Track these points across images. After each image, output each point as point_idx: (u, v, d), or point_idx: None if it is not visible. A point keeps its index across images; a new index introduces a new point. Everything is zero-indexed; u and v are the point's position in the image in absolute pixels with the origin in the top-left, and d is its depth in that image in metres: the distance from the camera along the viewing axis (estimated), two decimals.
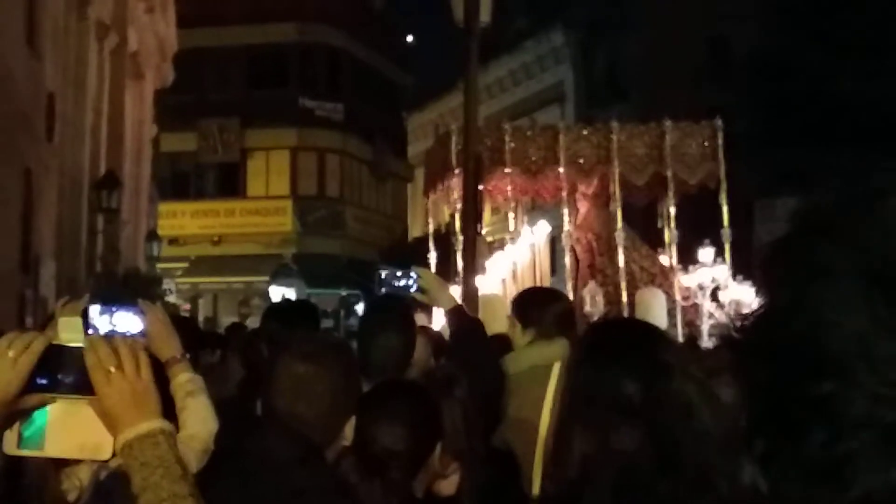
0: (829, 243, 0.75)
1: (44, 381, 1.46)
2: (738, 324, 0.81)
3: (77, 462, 2.55)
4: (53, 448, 1.51)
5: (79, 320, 1.60)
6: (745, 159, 22.70)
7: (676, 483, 1.54)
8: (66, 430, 1.50)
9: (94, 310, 2.50)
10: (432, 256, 13.80)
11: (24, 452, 1.54)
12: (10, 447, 1.50)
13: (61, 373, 1.48)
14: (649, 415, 1.61)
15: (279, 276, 31.20)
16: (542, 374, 3.85)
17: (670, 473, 1.55)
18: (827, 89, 21.77)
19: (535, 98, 31.48)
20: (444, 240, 13.66)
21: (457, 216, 12.94)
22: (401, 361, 3.52)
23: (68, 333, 1.55)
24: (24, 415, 1.48)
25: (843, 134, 20.55)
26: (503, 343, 4.55)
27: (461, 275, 12.54)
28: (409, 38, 42.39)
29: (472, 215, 10.81)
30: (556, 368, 3.83)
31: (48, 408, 1.48)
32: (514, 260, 12.33)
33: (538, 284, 11.57)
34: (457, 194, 12.51)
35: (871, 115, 20.36)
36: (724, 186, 12.46)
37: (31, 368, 1.45)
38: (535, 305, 4.11)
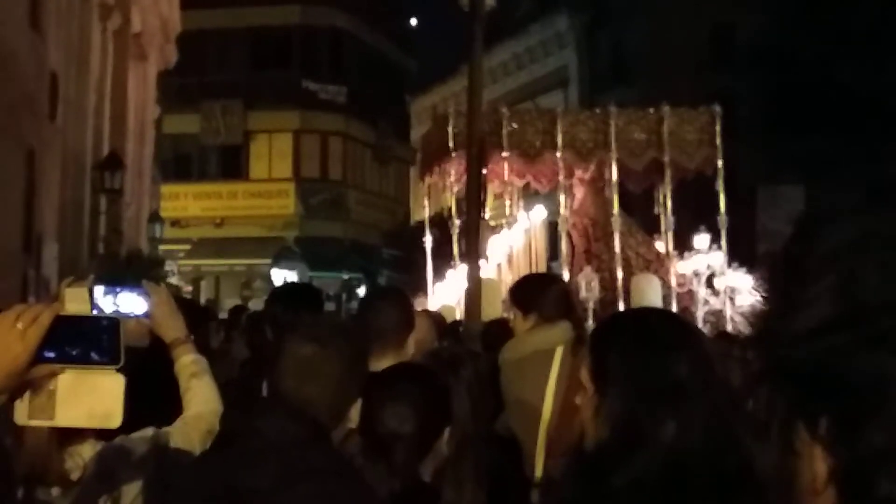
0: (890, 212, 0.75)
1: (51, 355, 1.47)
2: (771, 314, 0.79)
3: (81, 440, 2.56)
4: (63, 417, 1.52)
5: (85, 291, 1.61)
6: (748, 146, 22.72)
7: (725, 470, 1.54)
8: (75, 400, 1.51)
9: (99, 290, 2.50)
10: (428, 240, 13.80)
11: (35, 422, 1.55)
12: (21, 417, 1.51)
13: (69, 344, 1.48)
14: (702, 400, 1.61)
15: (281, 258, 31.23)
16: (545, 358, 3.84)
17: (719, 460, 1.55)
18: (830, 77, 21.74)
19: (539, 82, 31.43)
20: (445, 224, 13.66)
21: (453, 200, 12.92)
22: (396, 336, 3.51)
23: (75, 304, 1.55)
24: (34, 386, 1.49)
25: (846, 122, 20.54)
26: (500, 327, 4.55)
27: (457, 260, 12.55)
28: (413, 21, 42.29)
29: (475, 199, 10.78)
30: (559, 352, 3.83)
31: (58, 377, 1.49)
32: (510, 245, 12.33)
33: (534, 269, 11.56)
34: (454, 177, 12.49)
35: (874, 104, 20.33)
36: (721, 173, 12.43)
37: (40, 341, 1.45)
38: (532, 291, 4.11)
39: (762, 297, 0.82)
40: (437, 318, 5.00)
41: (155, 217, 24.47)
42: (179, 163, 33.97)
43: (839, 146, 20.24)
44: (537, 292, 4.05)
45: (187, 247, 32.20)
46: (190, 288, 29.07)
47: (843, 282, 0.73)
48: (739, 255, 13.17)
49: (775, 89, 23.48)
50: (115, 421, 1.54)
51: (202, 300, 27.25)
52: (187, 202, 33.44)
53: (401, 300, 3.63)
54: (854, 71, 21.33)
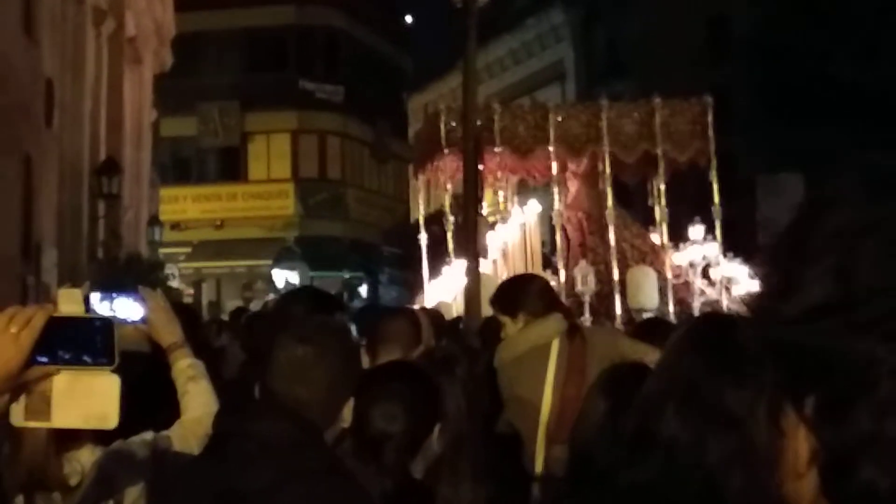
0: None
1: (45, 357, 1.47)
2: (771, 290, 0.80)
3: (78, 446, 2.57)
4: (60, 419, 1.52)
5: (79, 292, 1.60)
6: (748, 137, 22.73)
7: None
8: (71, 401, 1.50)
9: (95, 296, 2.51)
10: (423, 238, 13.81)
11: (32, 424, 1.55)
12: (17, 419, 1.52)
13: (63, 346, 1.48)
14: (746, 432, 1.59)
15: (282, 259, 31.24)
16: (542, 352, 3.84)
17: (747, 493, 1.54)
18: (826, 69, 21.73)
19: (536, 77, 31.41)
20: (443, 221, 13.66)
21: (447, 197, 12.94)
22: (404, 344, 3.54)
23: (68, 305, 1.55)
24: (29, 387, 1.49)
25: (844, 112, 20.54)
26: (497, 324, 4.55)
27: (452, 256, 12.55)
28: (409, 19, 42.28)
29: (472, 196, 10.79)
30: (556, 344, 3.84)
31: (53, 379, 1.49)
32: (505, 240, 12.32)
33: (529, 264, 11.57)
34: (448, 174, 12.51)
35: (871, 94, 20.34)
36: (714, 164, 12.40)
37: (33, 343, 1.45)
38: (514, 294, 4.11)
39: (762, 276, 0.82)
40: (434, 316, 5.01)
41: (154, 220, 24.47)
42: (178, 166, 33.99)
43: (837, 136, 20.25)
44: (519, 293, 4.07)
45: (187, 249, 32.21)
46: (191, 291, 29.09)
47: (841, 265, 0.74)
48: (740, 244, 13.17)
49: (773, 80, 23.47)
50: (112, 422, 1.53)
51: (204, 302, 27.30)
52: (186, 205, 33.45)
53: (410, 315, 3.69)
54: (851, 61, 21.33)
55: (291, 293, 4.64)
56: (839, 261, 0.74)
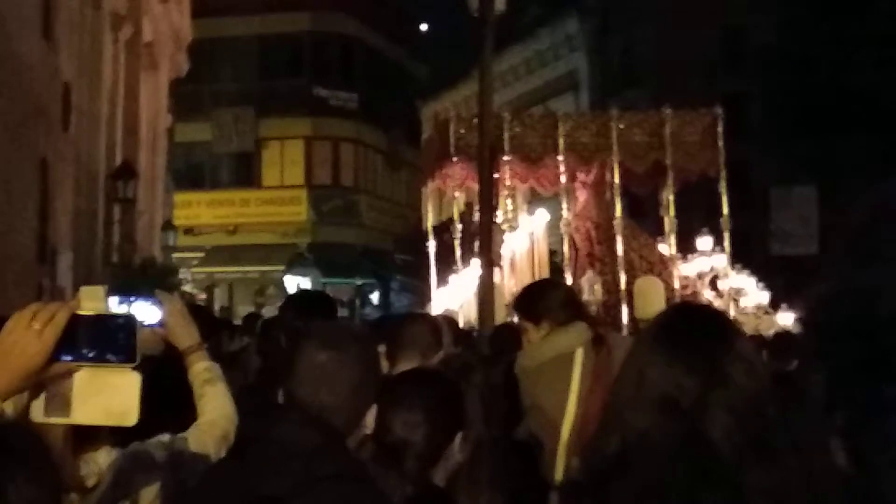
0: None
1: (68, 358, 1.47)
2: (817, 307, 0.79)
3: (95, 447, 2.57)
4: (80, 415, 1.53)
5: (101, 289, 1.60)
6: (761, 148, 22.69)
7: (707, 491, 1.52)
8: (92, 398, 1.51)
9: (113, 301, 2.50)
10: (431, 245, 13.80)
11: (52, 420, 1.55)
12: (38, 415, 1.52)
13: (85, 343, 1.49)
14: (693, 417, 1.58)
15: (294, 265, 31.29)
16: (566, 361, 3.80)
17: (704, 479, 1.53)
18: (842, 80, 21.69)
19: (550, 86, 31.44)
20: (463, 228, 13.65)
21: (456, 205, 12.94)
22: (425, 350, 3.53)
23: (91, 302, 1.55)
24: (50, 384, 1.49)
25: (858, 123, 20.49)
26: (508, 332, 4.51)
27: (459, 264, 12.54)
28: (424, 27, 42.33)
29: (487, 203, 10.79)
30: (580, 353, 3.80)
31: (74, 376, 1.49)
32: (513, 249, 12.31)
33: (537, 273, 11.56)
34: (456, 182, 12.51)
35: (886, 106, 20.28)
36: (723, 175, 12.36)
37: (56, 340, 1.45)
38: (538, 300, 4.04)
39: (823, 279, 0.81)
40: (450, 322, 5.00)
41: (168, 225, 24.55)
42: (192, 171, 34.09)
43: (851, 147, 20.20)
44: (544, 299, 4.00)
45: (201, 254, 32.29)
46: (203, 295, 29.15)
47: (874, 285, 0.72)
48: (752, 255, 13.15)
49: (787, 91, 23.43)
50: (132, 418, 1.54)
51: (216, 307, 27.35)
52: (200, 210, 33.54)
53: (430, 320, 3.67)
54: (865, 72, 21.29)
55: (293, 297, 4.65)
56: (873, 279, 0.73)
